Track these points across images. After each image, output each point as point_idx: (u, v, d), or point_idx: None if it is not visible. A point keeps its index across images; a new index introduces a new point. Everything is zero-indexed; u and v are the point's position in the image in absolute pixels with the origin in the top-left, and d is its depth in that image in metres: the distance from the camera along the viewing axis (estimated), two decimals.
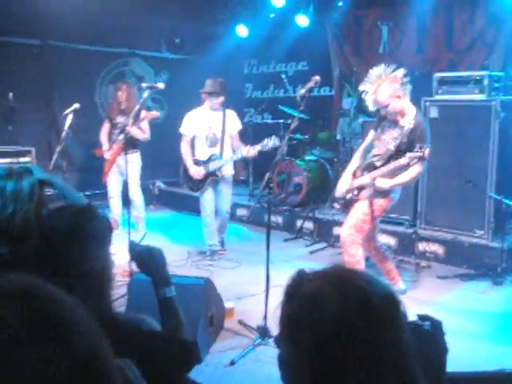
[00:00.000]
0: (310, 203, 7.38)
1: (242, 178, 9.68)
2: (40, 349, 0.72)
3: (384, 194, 4.48)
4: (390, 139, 4.45)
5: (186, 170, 6.16)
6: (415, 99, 6.45)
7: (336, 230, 6.74)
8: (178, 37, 9.77)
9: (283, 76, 8.84)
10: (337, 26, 8.97)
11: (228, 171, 6.17)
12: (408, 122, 4.36)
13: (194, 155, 6.15)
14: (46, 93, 8.44)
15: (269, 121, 9.19)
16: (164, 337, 1.78)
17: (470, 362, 3.53)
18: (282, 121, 7.91)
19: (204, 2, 8.70)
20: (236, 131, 6.19)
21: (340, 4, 8.54)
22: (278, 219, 7.53)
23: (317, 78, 4.27)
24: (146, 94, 4.99)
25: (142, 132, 6.57)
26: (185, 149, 6.14)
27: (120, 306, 3.88)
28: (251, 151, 5.70)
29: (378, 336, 1.00)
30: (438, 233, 6.11)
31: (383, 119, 4.61)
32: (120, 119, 6.73)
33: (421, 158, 4.10)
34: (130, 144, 6.42)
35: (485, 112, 5.72)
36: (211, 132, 6.06)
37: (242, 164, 9.37)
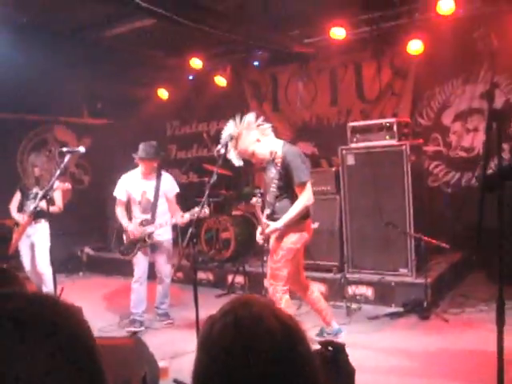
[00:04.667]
0: (240, 257, 7.43)
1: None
2: None
3: (284, 235, 4.43)
4: (270, 181, 4.46)
5: (119, 232, 5.88)
6: (333, 149, 6.77)
7: (266, 282, 6.79)
8: (99, 102, 9.80)
9: (205, 135, 9.04)
10: (254, 84, 9.31)
11: (163, 236, 5.91)
12: (279, 157, 4.38)
13: (130, 219, 5.95)
14: None
15: (195, 180, 9.28)
16: None
17: None
18: (207, 179, 7.98)
19: (124, 67, 8.82)
20: (173, 194, 6.04)
21: (256, 63, 8.91)
22: (208, 276, 7.52)
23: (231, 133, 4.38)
24: (66, 159, 4.93)
25: (51, 204, 5.54)
26: (119, 212, 5.94)
27: None
28: (180, 219, 5.54)
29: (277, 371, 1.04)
30: (366, 275, 6.27)
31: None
32: (32, 190, 6.53)
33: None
34: (39, 214, 6.13)
35: (396, 156, 6.04)
36: (144, 197, 5.88)
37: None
